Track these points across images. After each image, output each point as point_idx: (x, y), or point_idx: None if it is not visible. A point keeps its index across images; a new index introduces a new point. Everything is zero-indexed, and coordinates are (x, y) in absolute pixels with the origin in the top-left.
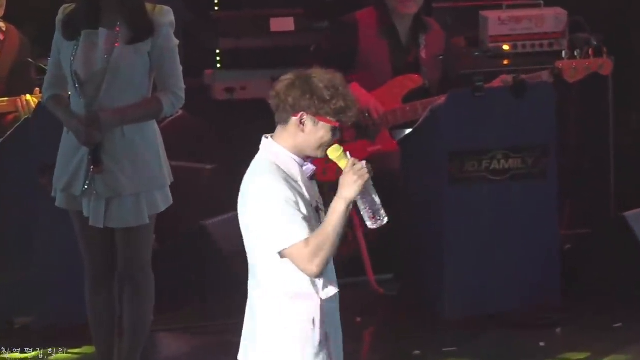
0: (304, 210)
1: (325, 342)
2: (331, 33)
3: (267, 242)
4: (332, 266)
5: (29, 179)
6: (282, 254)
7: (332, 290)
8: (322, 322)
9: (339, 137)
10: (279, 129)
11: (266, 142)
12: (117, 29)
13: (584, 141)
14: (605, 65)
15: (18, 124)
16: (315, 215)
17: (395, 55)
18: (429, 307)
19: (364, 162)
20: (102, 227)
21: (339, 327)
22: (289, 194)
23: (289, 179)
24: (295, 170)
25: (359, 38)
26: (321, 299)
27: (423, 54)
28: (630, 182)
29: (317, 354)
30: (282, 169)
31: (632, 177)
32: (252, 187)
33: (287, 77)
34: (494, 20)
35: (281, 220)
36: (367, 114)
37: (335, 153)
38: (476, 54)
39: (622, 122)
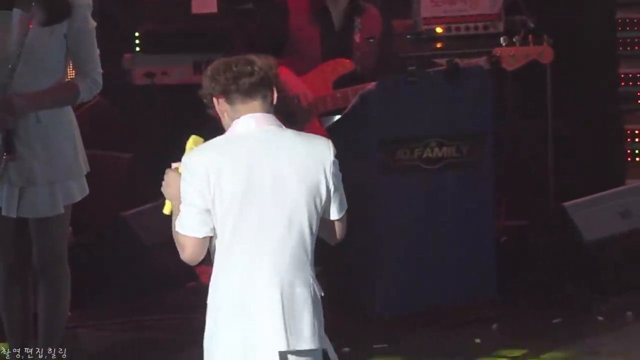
0: None
1: None
2: (259, 15)
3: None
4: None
5: None
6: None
7: None
8: None
9: None
10: (259, 103)
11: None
12: (32, 10)
13: (521, 129)
14: (545, 53)
15: None
16: None
17: (326, 39)
18: (359, 302)
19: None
20: (15, 217)
21: None
22: None
23: None
24: None
25: (289, 22)
26: None
27: (357, 38)
28: (569, 172)
29: None
30: None
31: (571, 167)
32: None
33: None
34: (427, 2)
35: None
36: (296, 101)
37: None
38: (408, 36)
39: (561, 108)
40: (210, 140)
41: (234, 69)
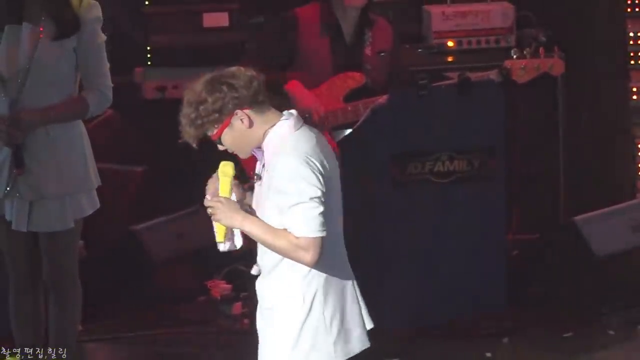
0: None
1: None
2: (269, 29)
3: None
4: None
5: None
6: None
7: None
8: None
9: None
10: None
11: None
12: (42, 24)
13: (533, 143)
14: (556, 66)
15: None
16: None
17: (337, 52)
18: (368, 315)
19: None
20: (25, 231)
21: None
22: None
23: None
24: None
25: (299, 35)
26: None
27: (367, 51)
28: (581, 186)
29: None
30: None
31: (583, 180)
32: None
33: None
34: (438, 15)
35: None
36: (307, 115)
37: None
38: (419, 50)
39: (573, 122)
40: (302, 136)
41: (241, 77)
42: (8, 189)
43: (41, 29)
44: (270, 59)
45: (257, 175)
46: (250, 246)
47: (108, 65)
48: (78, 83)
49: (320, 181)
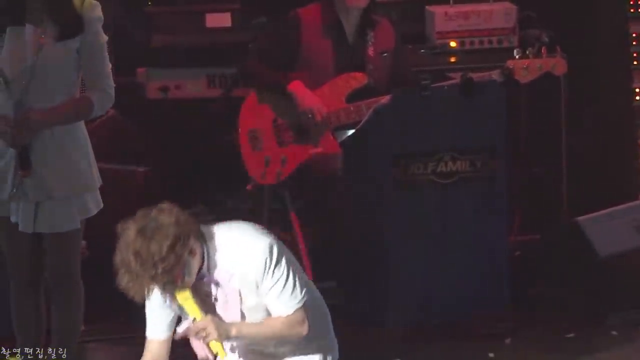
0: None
1: None
2: (271, 30)
3: None
4: None
5: None
6: None
7: None
8: None
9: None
10: None
11: None
12: (45, 26)
13: (535, 143)
14: (558, 65)
15: None
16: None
17: (339, 53)
18: (372, 316)
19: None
20: (31, 232)
21: None
22: None
23: None
24: None
25: (301, 35)
26: None
27: (370, 52)
28: (583, 187)
29: None
30: None
31: (585, 181)
32: None
33: None
34: (441, 16)
35: None
36: (309, 115)
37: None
38: (422, 50)
39: (575, 123)
40: (239, 226)
41: (179, 213)
42: (14, 190)
43: (44, 30)
44: (272, 59)
45: (214, 297)
46: None
47: (110, 65)
48: (80, 83)
49: (282, 251)
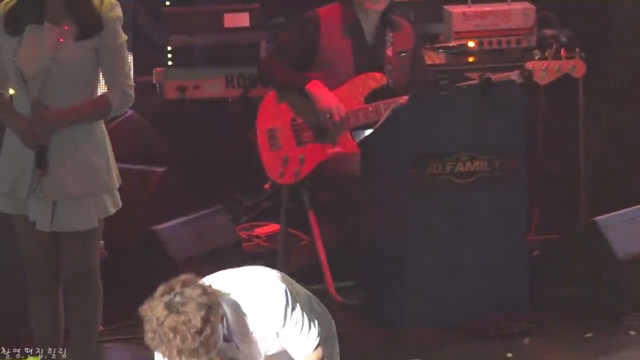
0: None
1: None
2: (290, 29)
3: None
4: None
5: None
6: None
7: None
8: None
9: None
10: None
11: None
12: (64, 25)
13: (553, 144)
14: (577, 67)
15: None
16: None
17: (358, 53)
18: (391, 316)
19: None
20: (49, 231)
21: None
22: None
23: None
24: None
25: (321, 35)
26: None
27: (389, 52)
28: (602, 187)
29: None
30: None
31: (604, 181)
32: None
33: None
34: (459, 16)
35: None
36: (328, 115)
37: None
38: (440, 51)
39: (594, 124)
40: (244, 276)
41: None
42: (32, 189)
43: (63, 29)
44: (291, 59)
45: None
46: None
47: (130, 64)
48: (100, 83)
49: (293, 289)
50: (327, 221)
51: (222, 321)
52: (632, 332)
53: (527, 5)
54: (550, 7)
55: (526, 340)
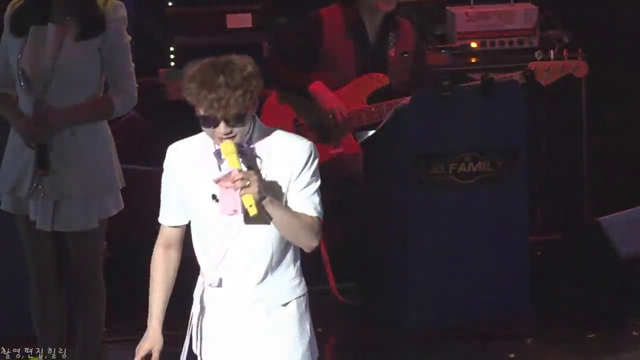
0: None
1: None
2: (293, 30)
3: None
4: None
5: None
6: None
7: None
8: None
9: (213, 127)
10: None
11: None
12: (68, 26)
13: (556, 144)
14: (580, 67)
15: None
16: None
17: (361, 54)
18: (392, 316)
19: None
20: (49, 230)
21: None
22: None
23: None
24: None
25: (323, 36)
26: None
27: (391, 53)
28: (605, 187)
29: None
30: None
31: (606, 181)
32: None
33: None
34: (461, 16)
35: None
36: (331, 115)
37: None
38: (442, 51)
39: (596, 124)
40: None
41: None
42: (32, 189)
43: (66, 29)
44: (294, 59)
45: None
46: None
47: (133, 65)
48: (103, 83)
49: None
50: (329, 221)
51: (255, 104)
52: (634, 333)
53: (530, 6)
54: (552, 8)
55: (528, 340)
